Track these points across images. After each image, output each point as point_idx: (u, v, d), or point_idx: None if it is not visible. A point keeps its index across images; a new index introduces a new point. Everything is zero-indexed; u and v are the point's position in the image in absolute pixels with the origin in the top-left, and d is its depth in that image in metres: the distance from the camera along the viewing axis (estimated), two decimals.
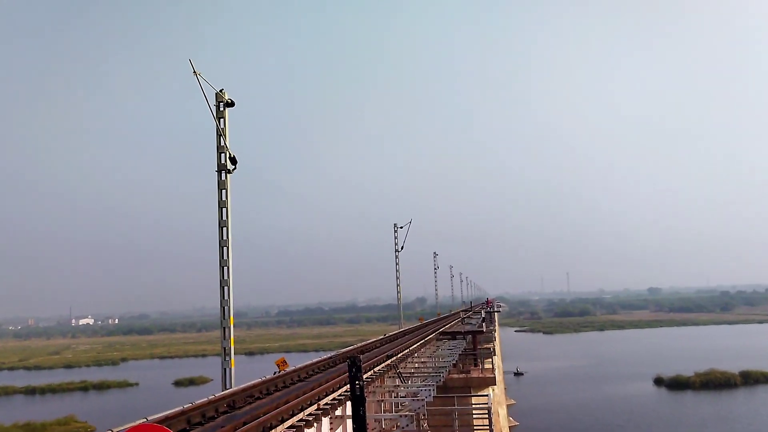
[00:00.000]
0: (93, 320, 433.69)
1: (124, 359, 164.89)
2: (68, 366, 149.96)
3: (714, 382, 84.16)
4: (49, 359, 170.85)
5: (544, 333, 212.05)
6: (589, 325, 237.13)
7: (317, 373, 23.59)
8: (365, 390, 20.39)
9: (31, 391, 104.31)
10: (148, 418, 13.31)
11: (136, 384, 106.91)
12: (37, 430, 66.16)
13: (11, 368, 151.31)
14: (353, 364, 2.76)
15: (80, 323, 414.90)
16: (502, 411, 49.30)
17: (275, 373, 22.49)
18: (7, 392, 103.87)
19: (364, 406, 3.08)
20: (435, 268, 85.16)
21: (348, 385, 19.47)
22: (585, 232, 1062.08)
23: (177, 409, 14.67)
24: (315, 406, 14.75)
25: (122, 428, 12.11)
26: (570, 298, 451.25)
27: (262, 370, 24.92)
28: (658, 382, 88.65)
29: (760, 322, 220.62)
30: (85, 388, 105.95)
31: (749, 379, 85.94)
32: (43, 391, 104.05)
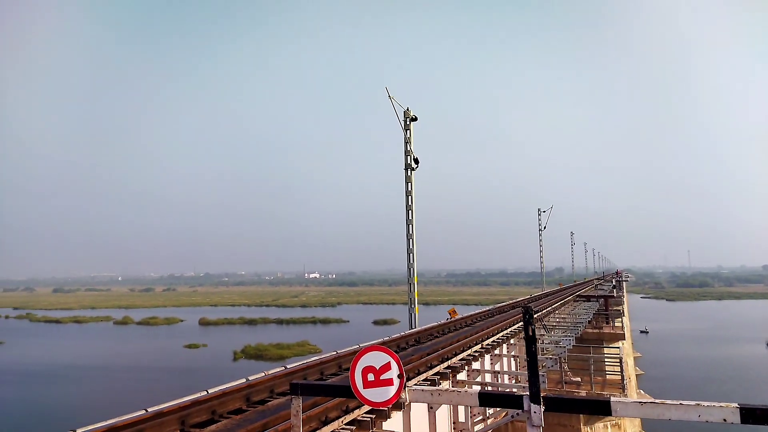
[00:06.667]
0: (319, 275, 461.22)
1: (339, 303, 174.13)
2: (303, 306, 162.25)
3: None
4: (291, 300, 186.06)
5: (666, 300, 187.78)
6: (707, 295, 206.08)
7: (479, 321, 23.66)
8: (516, 336, 20.08)
9: (279, 322, 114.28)
10: (360, 345, 14.19)
11: (348, 321, 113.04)
12: (284, 348, 72.42)
13: (267, 305, 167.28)
14: (527, 312, 2.73)
15: (311, 276, 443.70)
16: (630, 361, 45.53)
17: (447, 319, 22.94)
18: (265, 322, 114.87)
19: (536, 345, 3.09)
20: (572, 244, 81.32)
21: (502, 331, 19.29)
22: (705, 215, 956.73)
23: (378, 340, 15.54)
24: (479, 345, 14.78)
25: (350, 348, 13.07)
26: (691, 272, 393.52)
27: (437, 316, 25.48)
28: None
29: None
30: (314, 322, 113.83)
31: None
32: (287, 322, 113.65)
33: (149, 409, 7.54)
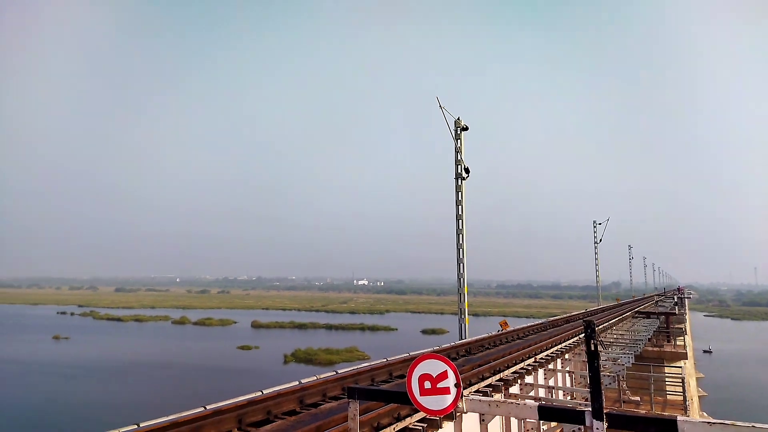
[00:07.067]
0: (368, 281, 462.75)
1: (387, 310, 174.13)
2: (352, 312, 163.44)
3: None
4: (340, 306, 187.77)
5: (731, 319, 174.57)
6: None
7: (531, 334, 23.17)
8: (572, 351, 19.49)
9: (328, 327, 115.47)
10: (410, 353, 14.20)
11: (396, 329, 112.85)
12: (333, 354, 73.10)
13: (317, 311, 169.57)
14: (589, 326, 2.66)
15: (359, 283, 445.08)
16: (693, 382, 43.27)
17: (498, 330, 22.59)
18: (314, 327, 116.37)
19: (598, 359, 3.00)
20: (630, 258, 78.61)
21: (557, 345, 18.77)
22: None
23: (429, 349, 15.48)
24: (533, 359, 14.47)
25: (400, 356, 13.12)
26: (758, 290, 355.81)
27: (487, 328, 25.12)
28: None
29: None
30: (362, 328, 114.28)
31: None
32: (336, 328, 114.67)
33: (208, 407, 7.83)
